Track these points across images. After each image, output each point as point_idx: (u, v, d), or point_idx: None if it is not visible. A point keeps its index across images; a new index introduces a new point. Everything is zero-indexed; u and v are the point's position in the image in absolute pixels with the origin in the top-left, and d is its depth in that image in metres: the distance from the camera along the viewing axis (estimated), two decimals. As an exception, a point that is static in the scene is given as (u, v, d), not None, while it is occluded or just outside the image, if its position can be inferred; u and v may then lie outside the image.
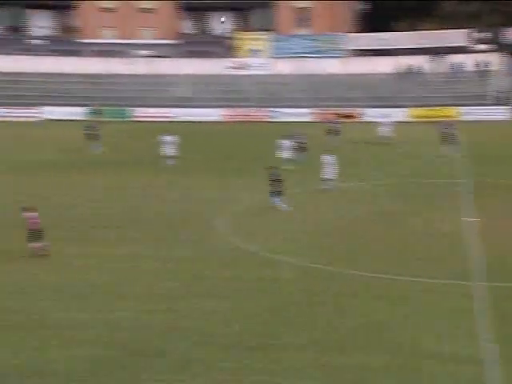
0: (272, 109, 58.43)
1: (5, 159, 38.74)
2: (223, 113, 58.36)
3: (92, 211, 27.42)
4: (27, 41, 66.38)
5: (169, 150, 37.09)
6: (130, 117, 57.59)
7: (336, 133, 43.95)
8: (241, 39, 66.13)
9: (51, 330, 16.28)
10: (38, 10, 68.42)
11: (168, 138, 37.43)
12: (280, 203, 26.83)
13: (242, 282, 19.24)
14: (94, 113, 55.13)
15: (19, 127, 52.37)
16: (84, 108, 56.85)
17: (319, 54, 64.80)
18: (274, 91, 61.54)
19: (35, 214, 21.36)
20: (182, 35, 70.16)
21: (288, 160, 34.88)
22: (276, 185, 26.74)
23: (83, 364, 14.58)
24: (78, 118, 54.52)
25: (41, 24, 68.73)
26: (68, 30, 68.94)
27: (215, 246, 22.65)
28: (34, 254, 21.16)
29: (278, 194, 26.75)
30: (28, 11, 68.23)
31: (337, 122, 46.29)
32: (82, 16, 68.36)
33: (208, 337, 15.74)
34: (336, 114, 54.00)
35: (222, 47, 66.28)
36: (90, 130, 41.72)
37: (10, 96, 58.23)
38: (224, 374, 14.07)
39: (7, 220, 25.41)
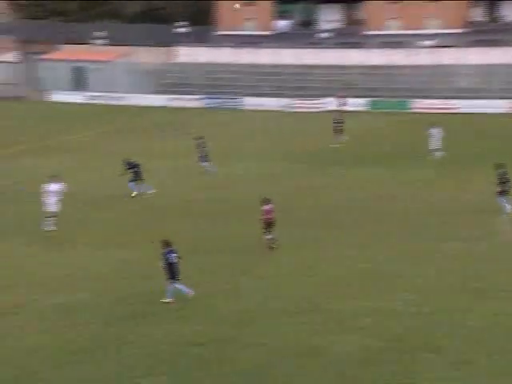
0: None
1: (278, 149, 41.15)
2: (510, 105, 55.45)
3: (353, 204, 28.10)
4: (316, 35, 69.22)
5: (434, 143, 36.55)
6: (409, 108, 57.42)
7: None
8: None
9: (327, 315, 17.12)
10: (328, 5, 70.85)
11: (434, 131, 36.83)
12: (505, 204, 25.21)
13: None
14: (340, 104, 55.83)
15: (303, 118, 55.09)
16: (366, 99, 58.10)
17: None
18: None
19: (270, 206, 22.28)
20: (469, 23, 67.83)
21: None
22: (502, 184, 25.21)
23: (357, 352, 15.12)
24: (359, 109, 56.08)
25: (329, 18, 71.13)
26: (354, 22, 70.50)
27: (500, 245, 21.88)
28: (266, 246, 22.19)
29: (504, 193, 25.13)
30: (319, 6, 71.06)
31: None
32: (368, 8, 69.39)
33: (486, 340, 15.40)
34: None
35: (513, 35, 62.81)
36: (336, 123, 42.45)
37: (298, 88, 61.51)
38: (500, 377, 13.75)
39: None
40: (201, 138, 35.25)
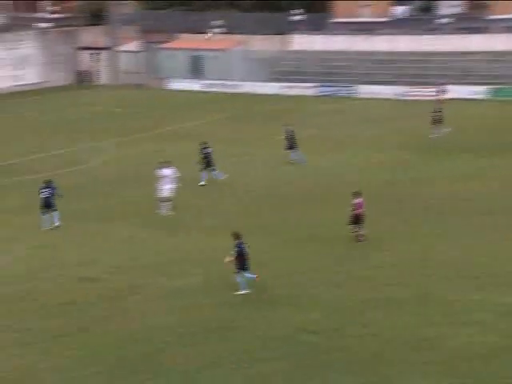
0: None
1: (392, 138, 40.13)
2: None
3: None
4: (435, 20, 67.14)
5: None
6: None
7: None
8: None
9: (443, 307, 16.73)
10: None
11: None
12: None
13: None
14: (439, 93, 53.40)
15: (420, 106, 53.58)
16: (488, 87, 55.79)
17: None
18: None
19: (360, 200, 21.67)
20: None
21: None
22: None
23: (475, 347, 14.69)
24: (479, 97, 53.93)
25: (450, 2, 68.77)
26: (476, 6, 67.77)
27: None
28: (355, 239, 21.63)
29: None
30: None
31: None
32: (494, -9, 66.47)
33: None
34: None
35: None
36: (435, 113, 40.77)
37: (415, 75, 59.90)
38: None
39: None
40: (288, 125, 34.85)
